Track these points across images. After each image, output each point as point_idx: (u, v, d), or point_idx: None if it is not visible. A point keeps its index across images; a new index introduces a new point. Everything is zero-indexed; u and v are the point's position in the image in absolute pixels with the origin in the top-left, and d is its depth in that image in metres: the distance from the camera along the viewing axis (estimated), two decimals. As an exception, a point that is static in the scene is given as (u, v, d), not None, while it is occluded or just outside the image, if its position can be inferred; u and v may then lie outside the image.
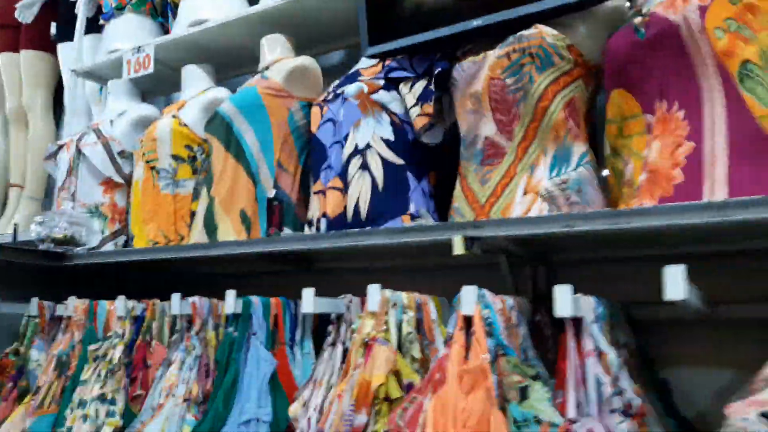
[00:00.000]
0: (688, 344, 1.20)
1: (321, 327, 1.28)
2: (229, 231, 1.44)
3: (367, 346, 0.99)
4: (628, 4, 1.23)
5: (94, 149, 1.79)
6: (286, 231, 1.41)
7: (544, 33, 1.12)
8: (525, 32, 1.13)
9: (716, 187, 0.91)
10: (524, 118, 1.12)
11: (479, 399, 0.79)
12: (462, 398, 0.80)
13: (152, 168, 1.67)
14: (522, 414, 0.81)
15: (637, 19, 1.04)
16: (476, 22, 1.20)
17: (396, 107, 1.31)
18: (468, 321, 0.91)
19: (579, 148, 1.09)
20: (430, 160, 1.34)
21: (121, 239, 1.84)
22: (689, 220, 0.88)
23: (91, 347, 1.45)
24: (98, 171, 1.81)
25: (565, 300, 0.87)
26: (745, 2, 0.93)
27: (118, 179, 1.82)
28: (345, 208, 1.30)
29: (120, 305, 1.48)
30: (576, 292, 0.91)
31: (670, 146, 0.96)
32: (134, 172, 1.76)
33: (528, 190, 1.11)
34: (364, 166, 1.29)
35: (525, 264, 1.31)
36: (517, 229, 1.02)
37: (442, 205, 1.31)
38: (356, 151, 1.30)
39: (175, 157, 1.65)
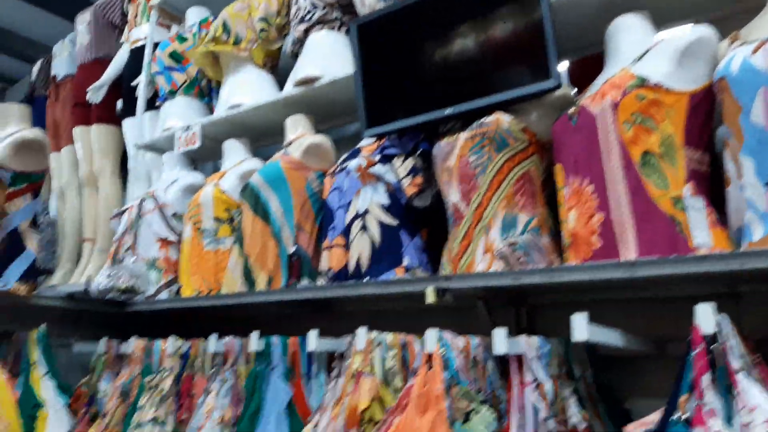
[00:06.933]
0: (646, 377, 1.38)
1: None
2: (261, 283, 1.73)
3: (355, 378, 1.24)
4: (575, 90, 1.47)
5: (152, 214, 2.13)
6: (303, 282, 1.69)
7: (501, 120, 1.37)
8: (486, 119, 1.39)
9: (628, 249, 1.12)
10: (481, 188, 1.36)
11: (429, 419, 1.02)
12: (417, 419, 1.04)
13: (197, 228, 1.99)
14: (462, 432, 1.04)
15: (571, 109, 1.28)
16: (448, 111, 1.47)
17: (390, 177, 1.58)
18: (430, 357, 1.15)
19: (524, 217, 1.32)
20: (422, 219, 1.60)
21: (175, 287, 2.14)
22: (607, 275, 1.10)
23: (148, 379, 1.75)
24: (155, 231, 2.15)
25: (500, 341, 1.09)
26: (650, 98, 1.16)
27: (172, 237, 2.15)
28: (347, 263, 1.57)
29: (170, 344, 1.78)
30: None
31: (584, 216, 1.18)
32: (183, 231, 2.09)
33: (486, 249, 1.35)
34: (364, 228, 1.56)
35: (507, 306, 1.53)
36: (477, 282, 1.27)
37: (439, 257, 1.54)
38: (357, 216, 1.57)
39: (217, 219, 1.97)
